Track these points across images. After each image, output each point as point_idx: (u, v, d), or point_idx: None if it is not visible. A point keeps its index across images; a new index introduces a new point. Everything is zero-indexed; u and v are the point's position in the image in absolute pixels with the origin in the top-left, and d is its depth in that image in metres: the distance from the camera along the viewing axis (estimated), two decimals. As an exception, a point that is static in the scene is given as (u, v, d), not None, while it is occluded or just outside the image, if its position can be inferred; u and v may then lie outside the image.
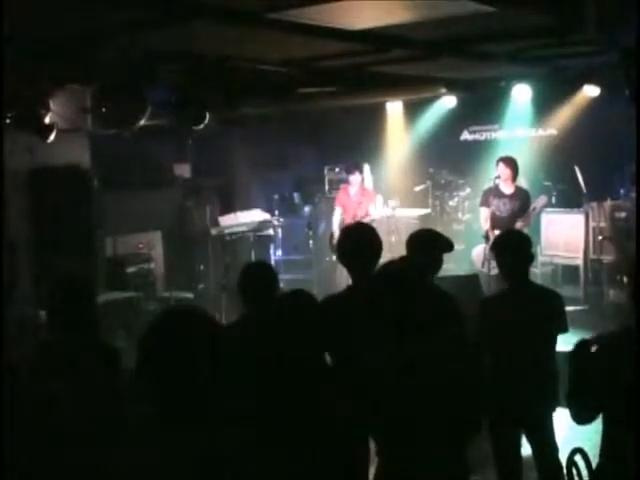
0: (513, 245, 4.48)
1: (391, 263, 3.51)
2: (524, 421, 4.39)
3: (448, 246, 4.43)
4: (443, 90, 8.71)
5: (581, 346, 3.19)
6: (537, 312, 4.35)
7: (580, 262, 8.87)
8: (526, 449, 4.50)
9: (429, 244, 4.36)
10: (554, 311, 4.40)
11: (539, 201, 8.17)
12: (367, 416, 3.11)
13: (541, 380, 4.33)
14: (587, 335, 3.43)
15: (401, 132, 10.52)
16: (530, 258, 4.50)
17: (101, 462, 3.45)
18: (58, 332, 3.77)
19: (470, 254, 8.77)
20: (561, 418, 4.41)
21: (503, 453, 4.43)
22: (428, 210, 10.51)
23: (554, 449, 4.36)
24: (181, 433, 2.38)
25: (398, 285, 3.21)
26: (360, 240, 4.00)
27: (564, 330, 4.41)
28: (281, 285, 4.81)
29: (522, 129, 10.20)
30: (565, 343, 4.57)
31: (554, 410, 4.37)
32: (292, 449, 2.93)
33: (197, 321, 2.51)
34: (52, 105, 6.75)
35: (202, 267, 10.54)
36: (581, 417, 3.22)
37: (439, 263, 4.37)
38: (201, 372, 2.42)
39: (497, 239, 4.86)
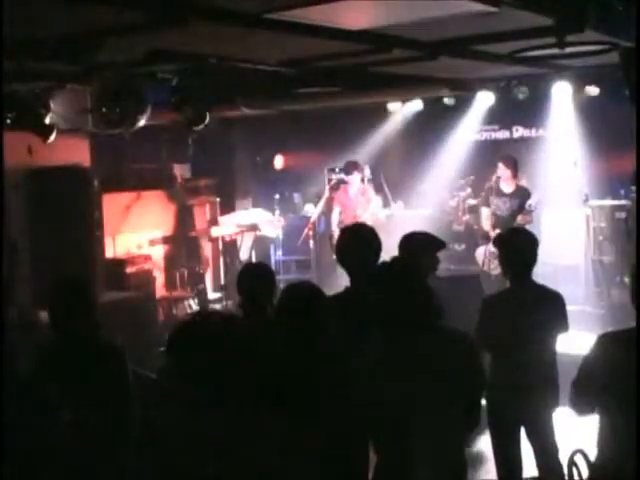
0: (519, 244, 4.48)
1: (386, 263, 3.52)
2: (524, 420, 4.39)
3: (441, 243, 4.45)
4: (444, 90, 8.71)
5: (601, 339, 3.21)
6: (538, 312, 4.35)
7: (580, 262, 8.86)
8: (526, 448, 4.50)
9: (422, 246, 4.38)
10: (555, 311, 4.40)
11: (533, 198, 8.20)
12: (366, 414, 3.10)
13: (541, 380, 4.33)
14: (586, 335, 3.44)
15: (401, 132, 10.51)
16: (534, 258, 4.47)
17: (105, 462, 3.46)
18: (59, 332, 3.77)
19: (470, 254, 8.79)
20: (561, 418, 4.42)
21: (503, 452, 4.44)
22: (428, 210, 10.50)
23: (554, 449, 4.36)
24: None
25: (395, 285, 3.22)
26: (358, 241, 4.01)
27: (565, 330, 4.42)
28: (280, 286, 4.81)
29: (522, 129, 10.20)
30: (565, 344, 4.59)
31: (554, 410, 4.37)
32: (291, 450, 2.93)
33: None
34: (52, 105, 6.75)
35: (202, 267, 10.53)
36: (581, 407, 3.24)
37: (435, 262, 4.38)
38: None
39: (502, 237, 4.83)
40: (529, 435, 4.43)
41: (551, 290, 4.58)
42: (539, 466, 4.41)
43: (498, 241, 4.75)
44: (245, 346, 3.08)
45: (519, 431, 4.44)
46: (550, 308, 4.41)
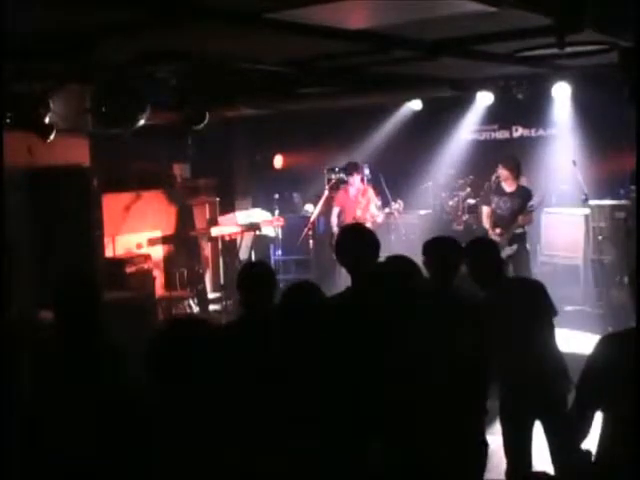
0: (475, 253, 4.54)
1: (385, 263, 3.53)
2: (541, 416, 4.40)
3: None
4: (444, 90, 8.71)
5: (603, 340, 3.21)
6: (526, 304, 4.40)
7: (580, 262, 8.86)
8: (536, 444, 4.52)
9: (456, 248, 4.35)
10: (540, 298, 4.47)
11: (535, 199, 8.21)
12: (368, 412, 3.11)
13: (551, 371, 4.36)
14: (586, 335, 3.45)
15: (401, 132, 10.51)
16: (494, 261, 4.53)
17: (105, 463, 3.45)
18: (62, 332, 3.77)
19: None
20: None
21: (515, 449, 4.45)
22: (428, 210, 10.51)
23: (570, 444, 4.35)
24: None
25: (395, 284, 3.23)
26: (358, 240, 4.02)
27: (555, 313, 4.47)
28: (280, 285, 4.82)
29: (522, 129, 10.21)
30: (565, 343, 4.60)
31: (570, 391, 4.34)
32: (291, 450, 2.93)
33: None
34: (52, 105, 6.75)
35: (201, 267, 10.54)
36: (583, 410, 3.24)
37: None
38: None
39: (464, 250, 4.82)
40: (545, 430, 4.44)
41: (529, 279, 4.65)
42: (553, 461, 4.41)
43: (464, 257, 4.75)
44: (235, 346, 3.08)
45: (532, 427, 4.46)
46: (535, 296, 4.47)
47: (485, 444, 3.68)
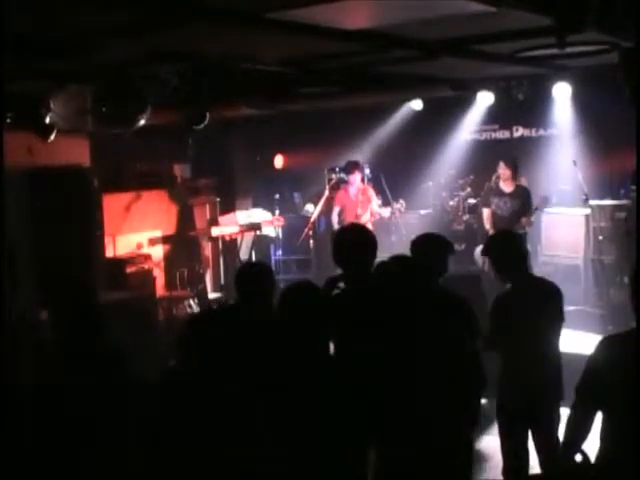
0: (503, 246, 4.54)
1: (383, 264, 3.54)
2: (535, 415, 4.41)
3: (452, 248, 4.46)
4: (444, 90, 8.70)
5: (604, 341, 3.22)
6: (547, 307, 4.41)
7: (580, 262, 8.86)
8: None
9: (434, 247, 4.37)
10: (557, 305, 4.47)
11: (539, 200, 8.21)
12: (366, 413, 3.11)
13: (551, 374, 4.38)
14: (586, 335, 3.45)
15: (401, 132, 10.51)
16: (522, 255, 4.52)
17: (102, 463, 3.46)
18: (60, 333, 3.77)
19: (470, 254, 8.78)
20: (562, 418, 4.43)
21: (512, 449, 4.46)
22: (428, 210, 10.51)
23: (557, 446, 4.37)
24: None
25: (395, 284, 3.23)
26: (355, 241, 4.02)
27: (563, 320, 4.48)
28: (280, 286, 4.81)
29: (522, 129, 10.21)
30: (565, 343, 4.61)
31: (561, 404, 4.37)
32: (291, 451, 2.93)
33: None
34: (52, 105, 6.75)
35: (202, 267, 10.54)
36: (583, 411, 3.24)
37: (445, 265, 4.37)
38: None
39: (485, 245, 4.85)
40: (535, 431, 4.45)
41: (550, 283, 4.66)
42: (541, 462, 4.43)
43: (484, 251, 4.78)
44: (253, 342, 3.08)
45: (527, 428, 4.47)
46: (554, 302, 4.48)
47: (470, 443, 3.66)
